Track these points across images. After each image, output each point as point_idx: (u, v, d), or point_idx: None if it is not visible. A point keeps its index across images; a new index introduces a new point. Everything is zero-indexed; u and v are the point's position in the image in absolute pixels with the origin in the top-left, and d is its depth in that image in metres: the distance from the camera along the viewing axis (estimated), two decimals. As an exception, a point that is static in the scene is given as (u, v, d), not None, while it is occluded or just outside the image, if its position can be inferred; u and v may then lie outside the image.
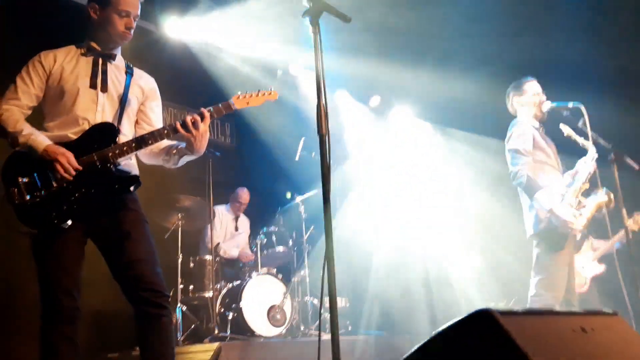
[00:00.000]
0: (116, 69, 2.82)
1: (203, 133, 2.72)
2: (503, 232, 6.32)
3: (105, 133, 2.65)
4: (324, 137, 2.15)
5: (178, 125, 2.68)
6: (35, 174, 2.50)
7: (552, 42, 5.50)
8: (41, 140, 2.53)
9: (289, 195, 6.58)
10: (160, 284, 2.60)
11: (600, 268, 5.15)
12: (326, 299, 1.92)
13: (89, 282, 2.78)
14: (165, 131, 2.71)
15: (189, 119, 2.67)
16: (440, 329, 1.30)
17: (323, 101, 2.17)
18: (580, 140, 3.88)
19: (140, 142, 2.67)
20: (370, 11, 5.41)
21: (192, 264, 5.44)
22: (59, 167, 2.47)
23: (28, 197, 2.46)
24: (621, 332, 1.53)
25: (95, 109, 2.68)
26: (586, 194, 3.88)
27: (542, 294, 3.66)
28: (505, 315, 1.24)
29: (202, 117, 2.70)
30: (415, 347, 1.32)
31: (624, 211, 3.75)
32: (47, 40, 2.89)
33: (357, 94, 7.60)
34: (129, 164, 2.77)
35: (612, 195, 3.82)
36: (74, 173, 2.50)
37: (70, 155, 2.51)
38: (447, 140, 7.55)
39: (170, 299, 2.67)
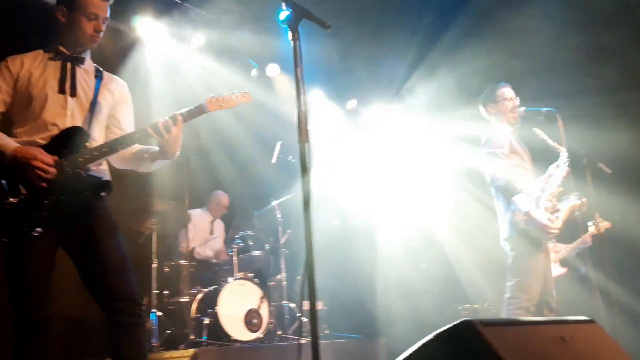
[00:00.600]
0: (85, 72, 2.77)
1: (175, 137, 2.69)
2: (477, 234, 6.41)
3: (75, 138, 2.59)
4: (304, 146, 2.14)
5: (149, 129, 2.64)
6: (3, 181, 2.43)
7: (527, 47, 5.59)
8: (8, 143, 2.47)
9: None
10: (133, 293, 2.56)
11: (562, 270, 5.29)
12: (306, 303, 1.91)
13: (60, 289, 2.72)
14: (137, 135, 2.67)
15: (160, 122, 2.64)
16: (424, 339, 1.30)
17: (303, 109, 2.16)
18: (552, 143, 3.94)
19: (111, 147, 2.62)
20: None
21: (167, 269, 5.37)
22: (37, 171, 2.41)
23: None
24: (599, 339, 1.55)
25: (65, 114, 2.63)
26: (559, 197, 3.94)
27: (518, 296, 3.70)
28: (487, 325, 1.24)
29: (175, 121, 2.67)
30: (399, 358, 1.31)
31: (597, 215, 3.82)
32: (15, 42, 2.83)
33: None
34: (100, 169, 2.71)
35: (584, 199, 3.89)
36: (53, 170, 2.45)
37: (41, 154, 2.45)
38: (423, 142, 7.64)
39: (143, 308, 2.63)
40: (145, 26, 5.81)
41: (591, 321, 1.65)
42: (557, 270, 5.30)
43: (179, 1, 5.96)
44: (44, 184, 2.44)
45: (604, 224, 5.22)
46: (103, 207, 2.64)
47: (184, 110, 2.76)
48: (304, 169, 2.15)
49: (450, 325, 1.30)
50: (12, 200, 2.41)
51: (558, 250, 5.36)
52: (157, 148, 2.75)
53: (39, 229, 2.42)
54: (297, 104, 2.17)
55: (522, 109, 4.09)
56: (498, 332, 1.25)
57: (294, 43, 2.22)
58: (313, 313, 2.00)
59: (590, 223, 4.76)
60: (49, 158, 2.46)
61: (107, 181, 2.66)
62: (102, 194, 2.60)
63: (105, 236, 2.56)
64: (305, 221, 2.09)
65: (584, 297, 4.45)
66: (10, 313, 2.47)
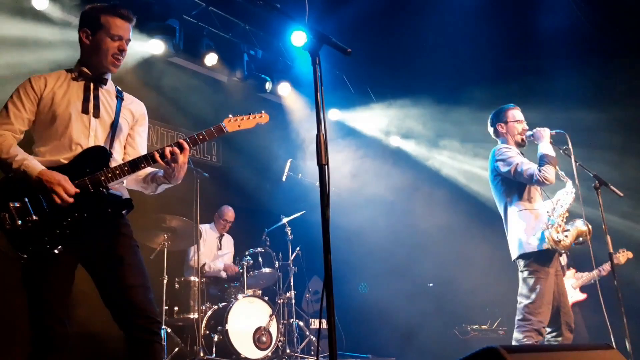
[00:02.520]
0: (107, 93, 2.81)
1: (182, 165, 2.68)
2: (485, 254, 6.40)
3: (97, 157, 2.63)
4: (324, 167, 2.17)
5: (157, 156, 2.63)
6: (26, 199, 2.46)
7: (537, 69, 5.65)
8: (34, 165, 2.50)
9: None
10: (153, 311, 2.57)
11: (582, 296, 5.52)
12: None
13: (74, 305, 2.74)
14: (158, 155, 2.69)
15: (167, 150, 2.63)
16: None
17: (323, 132, 2.20)
18: (560, 173, 3.94)
19: (133, 165, 2.65)
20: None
21: (177, 285, 5.39)
22: (56, 197, 2.45)
23: (20, 222, 2.42)
24: (618, 365, 1.56)
25: (88, 134, 2.67)
26: (566, 220, 3.93)
27: (529, 318, 3.66)
28: (512, 352, 1.26)
29: (181, 149, 2.66)
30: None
31: (609, 238, 3.80)
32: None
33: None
34: (120, 188, 2.75)
35: (590, 226, 3.87)
36: (71, 201, 2.48)
37: (65, 182, 2.48)
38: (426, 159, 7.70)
39: (161, 325, 2.64)
40: (160, 44, 5.90)
41: (610, 347, 1.66)
42: (578, 296, 5.60)
43: (194, 20, 6.06)
44: (57, 207, 2.46)
45: (626, 254, 5.37)
46: (125, 225, 2.67)
47: (203, 130, 2.79)
48: (324, 191, 2.17)
49: (475, 351, 1.31)
50: (35, 217, 2.44)
51: (579, 277, 5.67)
52: (162, 172, 2.76)
53: (60, 247, 2.45)
54: (317, 126, 2.20)
55: (530, 132, 4.10)
56: (523, 358, 1.27)
57: (315, 68, 2.26)
58: (331, 332, 2.03)
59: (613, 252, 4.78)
60: (72, 188, 2.49)
61: (128, 199, 2.68)
62: (124, 211, 2.63)
63: (127, 254, 2.59)
64: (324, 244, 2.10)
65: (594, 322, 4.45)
66: (29, 330, 2.49)
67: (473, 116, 5.90)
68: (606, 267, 5.18)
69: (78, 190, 2.51)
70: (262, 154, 6.93)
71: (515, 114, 4.20)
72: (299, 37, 6.17)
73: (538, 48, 5.89)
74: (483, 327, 6.53)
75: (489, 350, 1.25)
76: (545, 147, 3.89)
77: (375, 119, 7.61)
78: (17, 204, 2.44)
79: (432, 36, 5.92)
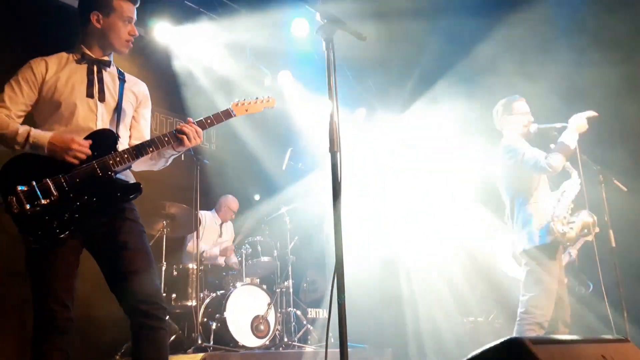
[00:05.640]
0: (110, 76, 2.78)
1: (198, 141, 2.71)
2: (480, 247, 6.40)
3: (104, 140, 2.59)
4: (336, 154, 2.15)
5: (183, 137, 2.65)
6: (34, 182, 2.40)
7: (543, 62, 5.61)
8: (42, 134, 2.47)
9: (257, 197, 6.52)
10: (159, 296, 2.55)
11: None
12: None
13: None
14: (166, 139, 2.66)
15: (191, 130, 2.64)
16: (471, 355, 1.31)
17: (335, 118, 2.17)
18: (566, 164, 3.92)
19: (140, 149, 2.61)
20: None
21: (175, 272, 5.36)
22: (78, 154, 2.46)
23: (28, 207, 2.37)
24: (635, 358, 1.56)
25: (95, 118, 2.64)
26: (572, 212, 3.93)
27: (532, 311, 3.68)
28: (537, 343, 1.25)
29: (202, 127, 2.71)
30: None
31: (611, 232, 3.81)
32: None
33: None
34: (126, 172, 2.72)
35: (595, 218, 3.87)
36: (89, 152, 2.49)
37: (78, 139, 2.48)
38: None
39: (167, 311, 2.61)
40: (162, 31, 5.84)
41: (626, 340, 1.66)
42: None
43: (195, 6, 5.99)
44: (77, 162, 2.47)
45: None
46: (131, 210, 2.64)
47: (211, 115, 2.76)
48: (335, 178, 2.15)
49: (499, 342, 1.30)
50: (44, 201, 2.39)
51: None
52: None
53: (67, 232, 2.41)
54: (330, 113, 2.17)
55: (535, 125, 4.09)
56: (547, 350, 1.25)
57: (328, 53, 2.22)
58: (342, 323, 2.02)
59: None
60: (85, 141, 2.50)
61: (137, 183, 2.64)
62: (132, 196, 2.59)
63: (132, 238, 2.56)
64: (335, 232, 2.09)
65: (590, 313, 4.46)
66: (33, 314, 2.45)
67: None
68: (574, 251, 5.08)
69: (90, 142, 2.51)
70: (261, 142, 6.88)
71: (521, 106, 4.18)
72: (300, 26, 6.12)
73: (538, 38, 5.85)
74: (479, 319, 6.54)
75: (513, 341, 1.24)
76: (568, 135, 3.82)
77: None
78: (25, 188, 2.39)
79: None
